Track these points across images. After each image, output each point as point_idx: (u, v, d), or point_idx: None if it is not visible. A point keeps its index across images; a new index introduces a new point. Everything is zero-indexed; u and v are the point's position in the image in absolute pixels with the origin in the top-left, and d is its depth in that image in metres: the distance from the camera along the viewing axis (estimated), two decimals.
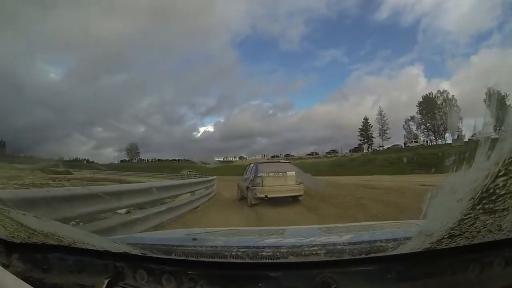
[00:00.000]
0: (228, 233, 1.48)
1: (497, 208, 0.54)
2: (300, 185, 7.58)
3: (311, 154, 58.36)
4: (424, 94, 51.46)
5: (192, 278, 0.76)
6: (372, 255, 0.71)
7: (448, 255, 0.69)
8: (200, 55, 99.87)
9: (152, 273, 0.80)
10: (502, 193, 0.50)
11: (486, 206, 0.53)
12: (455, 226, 0.59)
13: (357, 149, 54.83)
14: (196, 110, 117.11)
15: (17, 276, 0.84)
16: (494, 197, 0.51)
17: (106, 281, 0.79)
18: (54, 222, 0.99)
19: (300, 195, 7.55)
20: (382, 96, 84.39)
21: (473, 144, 0.53)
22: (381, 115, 53.37)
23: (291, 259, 0.72)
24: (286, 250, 0.74)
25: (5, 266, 0.87)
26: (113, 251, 0.82)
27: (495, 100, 0.59)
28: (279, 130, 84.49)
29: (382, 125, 53.26)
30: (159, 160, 64.44)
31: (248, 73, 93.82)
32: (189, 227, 3.91)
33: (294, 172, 7.71)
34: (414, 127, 51.61)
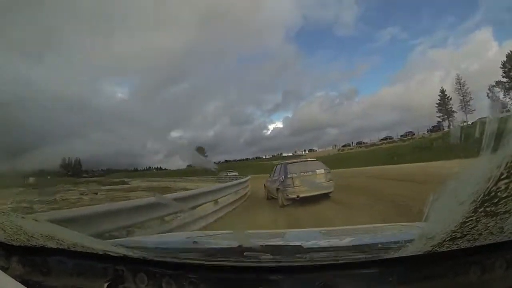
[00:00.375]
0: (228, 236, 1.48)
1: (498, 210, 0.53)
2: (329, 182, 7.75)
3: (385, 139, 53.12)
4: (508, 52, 39.30)
5: (192, 282, 0.75)
6: (373, 258, 0.71)
7: (450, 258, 0.69)
8: (258, 53, 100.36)
9: (152, 276, 0.79)
10: (504, 195, 0.50)
11: (488, 209, 0.53)
12: (457, 229, 0.59)
13: (436, 127, 45.70)
14: (263, 108, 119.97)
15: (16, 279, 0.83)
16: (496, 200, 0.51)
17: (106, 285, 0.78)
18: (54, 225, 0.99)
19: (331, 192, 7.73)
20: (451, 68, 71.29)
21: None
22: (460, 83, 42.95)
23: (292, 262, 0.71)
24: (287, 254, 0.73)
25: (4, 269, 0.86)
26: (113, 254, 0.81)
27: None
28: (348, 118, 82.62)
29: (463, 96, 42.67)
30: (226, 161, 64.65)
31: (309, 65, 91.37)
32: None
33: (323, 170, 7.87)
34: (501, 94, 39.23)
